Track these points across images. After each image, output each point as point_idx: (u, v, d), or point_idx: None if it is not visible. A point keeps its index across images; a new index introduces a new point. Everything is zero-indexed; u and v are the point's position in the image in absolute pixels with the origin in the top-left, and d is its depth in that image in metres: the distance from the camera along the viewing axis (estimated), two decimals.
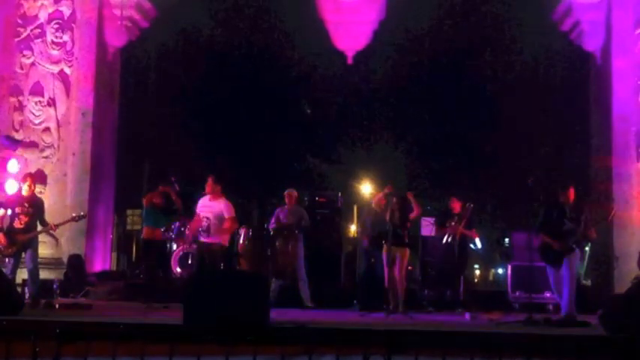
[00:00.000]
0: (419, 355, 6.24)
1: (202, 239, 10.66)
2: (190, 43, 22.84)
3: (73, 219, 11.31)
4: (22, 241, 10.50)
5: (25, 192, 10.77)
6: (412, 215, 11.09)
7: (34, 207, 10.71)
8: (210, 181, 10.78)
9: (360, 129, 24.04)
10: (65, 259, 13.22)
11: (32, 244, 10.66)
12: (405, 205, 10.96)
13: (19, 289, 10.57)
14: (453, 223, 11.95)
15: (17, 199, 10.78)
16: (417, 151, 23.49)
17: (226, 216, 10.60)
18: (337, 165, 24.97)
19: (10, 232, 10.50)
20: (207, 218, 10.61)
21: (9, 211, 10.66)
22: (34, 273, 10.64)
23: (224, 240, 10.74)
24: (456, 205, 12.17)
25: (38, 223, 10.81)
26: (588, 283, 13.43)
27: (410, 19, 21.65)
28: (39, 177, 13.43)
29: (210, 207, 10.68)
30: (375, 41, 15.57)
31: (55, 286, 11.44)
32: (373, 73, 23.18)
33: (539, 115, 20.46)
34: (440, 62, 22.14)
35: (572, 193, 9.60)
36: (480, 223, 21.39)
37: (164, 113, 21.42)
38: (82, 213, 11.71)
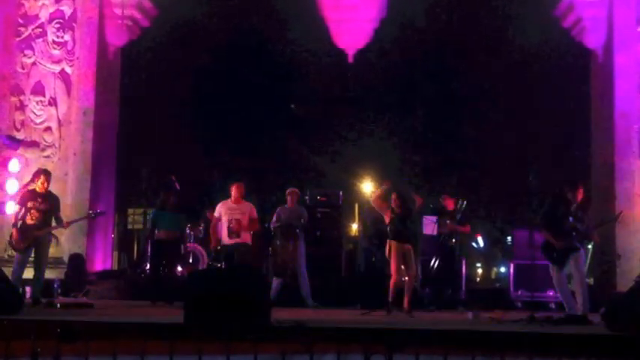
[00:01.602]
0: (420, 354, 6.23)
1: (230, 241, 11.27)
2: (189, 41, 22.81)
3: (90, 216, 11.41)
4: (33, 237, 10.48)
5: (38, 188, 10.77)
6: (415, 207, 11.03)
7: (48, 203, 10.66)
8: (237, 186, 11.53)
9: (358, 125, 24.11)
10: (66, 259, 13.18)
11: (44, 242, 10.64)
12: (406, 198, 10.92)
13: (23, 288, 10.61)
14: (448, 221, 11.95)
15: (30, 195, 10.77)
16: (416, 148, 23.54)
17: (253, 217, 11.43)
18: (338, 163, 24.99)
19: (22, 228, 10.49)
20: (236, 220, 11.25)
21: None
22: (40, 273, 10.63)
23: (249, 239, 11.47)
24: (449, 203, 12.18)
25: (53, 221, 10.79)
26: (591, 281, 13.41)
27: (410, 17, 21.67)
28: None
29: (236, 210, 11.34)
30: (375, 39, 15.55)
31: (55, 286, 11.45)
32: (372, 70, 23.19)
33: (541, 111, 20.45)
34: (440, 59, 22.15)
35: (581, 192, 9.57)
36: (478, 219, 21.44)
37: (164, 112, 21.40)
38: (98, 210, 11.90)
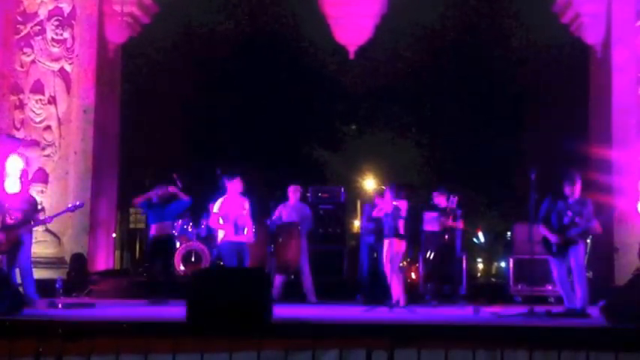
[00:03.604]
0: (421, 349, 6.28)
1: (234, 239, 11.11)
2: (193, 38, 22.85)
3: (69, 209, 11.16)
4: (14, 237, 10.29)
5: (16, 188, 10.69)
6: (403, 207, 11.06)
7: (26, 202, 10.53)
8: (238, 180, 11.27)
9: (364, 121, 24.18)
10: (68, 258, 13.14)
11: (25, 241, 10.44)
12: (397, 196, 10.97)
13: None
14: (442, 219, 11.98)
15: (8, 195, 10.68)
16: (418, 144, 23.62)
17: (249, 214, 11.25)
18: (340, 159, 25.05)
19: (3, 229, 10.32)
20: (238, 217, 11.10)
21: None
22: (27, 272, 10.43)
23: (250, 238, 11.32)
24: (441, 200, 12.19)
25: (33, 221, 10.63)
26: (589, 275, 13.44)
27: (412, 14, 21.68)
28: (41, 176, 13.47)
29: (236, 206, 11.20)
30: (378, 36, 15.55)
31: (58, 286, 11.39)
32: (376, 68, 23.25)
33: (540, 107, 20.51)
34: (441, 57, 22.20)
35: (579, 186, 9.61)
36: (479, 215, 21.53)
37: (166, 110, 21.43)
38: (77, 202, 11.49)
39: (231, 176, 11.39)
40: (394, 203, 10.82)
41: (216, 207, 11.35)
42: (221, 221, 11.19)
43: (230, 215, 11.15)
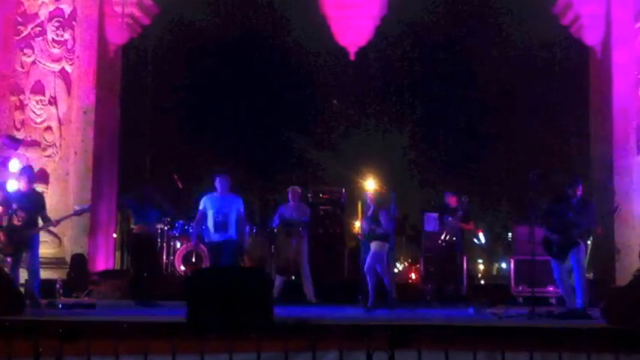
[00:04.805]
0: (422, 350, 6.28)
1: (217, 238, 10.80)
2: (189, 37, 22.86)
3: (75, 213, 11.12)
4: (21, 238, 10.21)
5: (21, 187, 10.63)
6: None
7: (31, 202, 10.43)
8: (224, 178, 10.95)
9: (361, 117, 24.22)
10: (68, 259, 13.14)
11: (32, 242, 10.34)
12: (379, 200, 11.03)
13: (21, 289, 10.52)
14: (450, 218, 12.01)
15: (14, 196, 10.62)
16: (417, 144, 23.65)
17: (240, 212, 10.88)
18: (341, 160, 25.05)
19: (9, 230, 10.25)
20: (223, 215, 10.78)
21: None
22: (34, 273, 10.35)
23: (237, 235, 10.94)
24: (452, 200, 12.23)
25: (40, 220, 10.57)
26: (590, 276, 13.44)
27: (411, 13, 21.70)
28: (41, 176, 13.44)
29: (222, 204, 10.87)
30: (378, 35, 15.54)
31: (58, 286, 11.37)
32: (374, 65, 23.27)
33: (540, 108, 20.51)
34: (442, 55, 22.22)
35: (580, 187, 9.62)
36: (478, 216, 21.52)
37: (165, 110, 21.43)
38: (85, 206, 11.49)
39: (216, 173, 11.13)
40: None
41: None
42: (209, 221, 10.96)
43: (210, 213, 10.90)
